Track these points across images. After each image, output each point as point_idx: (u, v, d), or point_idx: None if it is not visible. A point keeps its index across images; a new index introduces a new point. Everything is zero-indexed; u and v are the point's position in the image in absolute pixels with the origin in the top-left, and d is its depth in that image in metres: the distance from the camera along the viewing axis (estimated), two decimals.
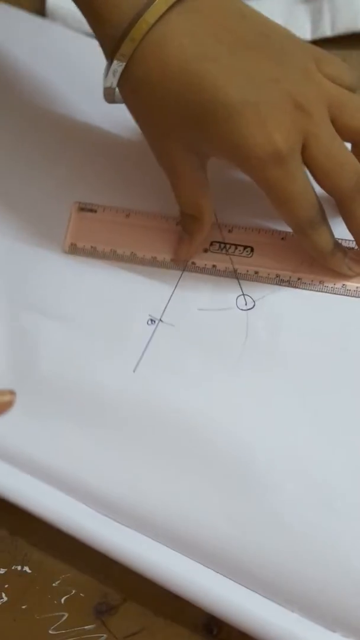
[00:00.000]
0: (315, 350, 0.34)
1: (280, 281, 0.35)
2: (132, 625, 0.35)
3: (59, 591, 0.36)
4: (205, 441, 0.34)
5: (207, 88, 0.29)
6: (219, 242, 0.36)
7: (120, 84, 0.31)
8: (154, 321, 0.36)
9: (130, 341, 0.37)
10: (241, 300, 0.36)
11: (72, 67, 0.43)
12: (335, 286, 0.35)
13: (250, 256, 0.36)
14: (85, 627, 0.35)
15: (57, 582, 0.36)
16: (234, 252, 0.36)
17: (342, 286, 0.35)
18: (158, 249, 0.37)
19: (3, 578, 0.36)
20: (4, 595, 0.36)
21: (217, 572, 0.33)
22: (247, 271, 0.36)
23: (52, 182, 0.40)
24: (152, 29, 0.29)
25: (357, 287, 0.35)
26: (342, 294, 0.35)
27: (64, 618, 0.36)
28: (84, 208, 0.39)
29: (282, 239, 0.36)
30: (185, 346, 0.36)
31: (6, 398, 0.31)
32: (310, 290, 0.35)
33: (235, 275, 0.36)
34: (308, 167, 0.31)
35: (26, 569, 0.36)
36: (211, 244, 0.37)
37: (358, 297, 0.34)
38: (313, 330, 0.35)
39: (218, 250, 0.36)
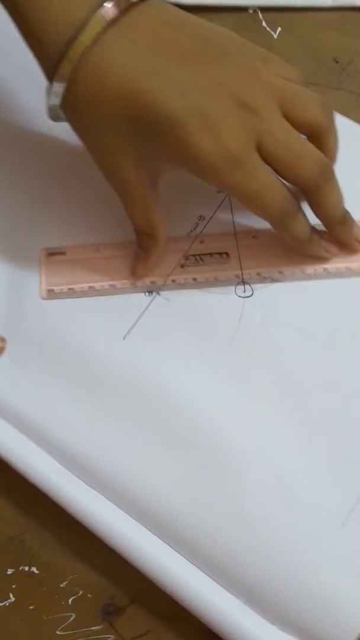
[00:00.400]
0: (304, 347, 0.35)
1: (263, 278, 0.36)
2: (139, 627, 0.35)
3: (67, 592, 0.36)
4: (180, 417, 0.35)
5: (149, 103, 0.29)
6: (194, 255, 0.37)
7: (62, 104, 0.31)
8: (152, 292, 0.37)
9: (126, 309, 0.37)
10: (240, 287, 0.36)
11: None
12: (317, 271, 0.36)
13: (227, 262, 0.36)
14: (93, 628, 0.36)
15: (64, 583, 0.36)
16: (210, 261, 0.36)
17: (323, 270, 0.36)
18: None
19: (10, 578, 0.36)
20: (11, 595, 0.36)
21: (167, 544, 0.34)
22: (228, 276, 0.36)
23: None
24: (89, 50, 0.29)
25: (337, 268, 0.36)
26: (324, 278, 0.36)
27: (72, 619, 0.36)
28: (52, 252, 0.38)
29: (254, 237, 0.37)
30: (178, 323, 0.36)
31: None
32: (293, 280, 0.36)
33: (216, 283, 0.36)
34: (269, 164, 0.31)
35: (34, 569, 0.36)
36: (187, 258, 0.37)
37: (340, 277, 0.36)
38: (305, 326, 0.35)
39: (194, 263, 0.37)
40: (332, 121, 0.32)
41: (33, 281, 0.38)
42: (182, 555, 0.34)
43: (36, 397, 0.36)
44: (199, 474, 0.34)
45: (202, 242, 0.37)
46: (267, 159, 0.31)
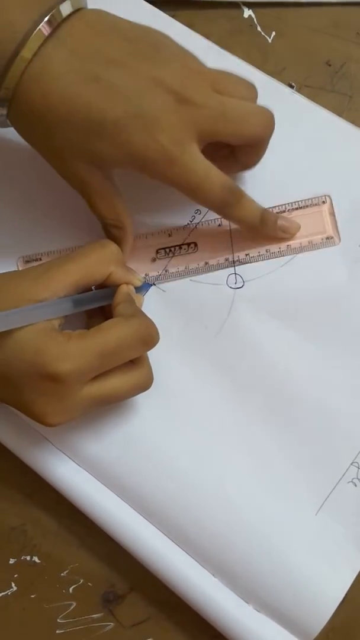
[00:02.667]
0: (289, 338, 0.36)
1: (232, 262, 0.37)
2: (138, 614, 0.36)
3: (67, 581, 0.37)
4: (166, 401, 0.36)
5: (91, 110, 0.30)
6: (164, 248, 0.38)
7: (10, 116, 0.32)
8: (148, 284, 0.38)
9: None
10: (232, 278, 0.37)
11: None
12: (281, 249, 0.37)
13: (196, 251, 0.38)
14: (93, 616, 0.36)
15: (65, 572, 0.37)
16: (180, 252, 0.38)
17: (286, 247, 0.37)
18: None
19: (12, 568, 0.37)
20: (13, 584, 0.37)
21: (152, 524, 0.35)
22: (198, 265, 0.37)
23: None
24: (30, 64, 0.30)
25: (300, 244, 0.37)
26: (290, 254, 0.37)
27: (72, 607, 0.36)
28: (29, 260, 0.38)
29: (219, 225, 0.38)
30: (172, 312, 0.37)
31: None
32: (259, 261, 0.37)
33: (187, 273, 0.37)
34: (221, 139, 0.32)
35: (35, 559, 0.37)
36: (157, 251, 0.38)
37: (303, 251, 0.37)
38: (291, 317, 0.37)
39: (165, 255, 0.38)
40: (256, 98, 0.34)
41: None
42: (169, 537, 0.35)
43: None
44: (186, 459, 0.35)
45: (169, 235, 0.38)
46: (216, 136, 0.32)
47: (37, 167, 0.36)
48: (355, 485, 0.35)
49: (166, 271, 0.38)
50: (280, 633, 0.34)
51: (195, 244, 0.38)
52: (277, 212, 0.37)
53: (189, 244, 0.38)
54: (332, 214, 0.37)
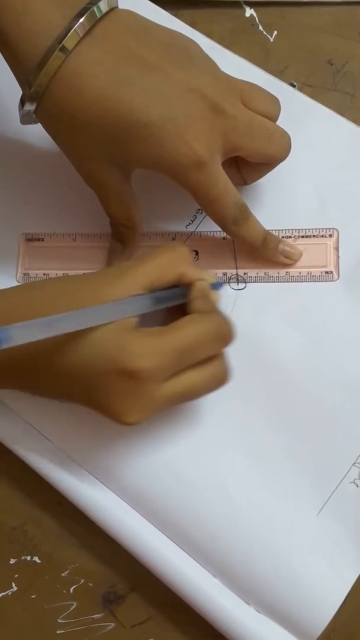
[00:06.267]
0: (292, 340, 0.36)
1: (228, 279, 0.37)
2: (139, 615, 0.36)
3: (68, 581, 0.37)
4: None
5: (125, 112, 0.30)
6: None
7: (37, 112, 0.32)
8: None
9: None
10: (234, 279, 0.37)
11: None
12: (279, 274, 0.37)
13: (197, 259, 0.38)
14: (94, 616, 0.36)
15: (66, 572, 0.37)
16: None
17: (285, 274, 0.37)
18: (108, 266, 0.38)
19: (13, 568, 0.37)
20: (14, 584, 0.37)
21: (153, 525, 0.35)
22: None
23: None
24: (66, 61, 0.30)
25: (299, 273, 0.37)
26: (287, 281, 0.37)
27: (73, 607, 0.36)
28: (31, 238, 0.39)
29: (223, 238, 0.38)
30: None
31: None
32: (258, 282, 0.37)
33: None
34: (241, 154, 0.33)
35: (36, 559, 0.37)
36: None
37: (302, 281, 0.37)
38: (294, 320, 0.37)
39: None
40: (279, 112, 0.34)
41: (11, 265, 0.39)
42: (170, 538, 0.35)
43: None
44: (187, 460, 0.35)
45: (173, 238, 0.38)
46: (237, 149, 0.32)
47: (48, 151, 0.36)
48: (357, 486, 0.34)
49: None
50: (281, 634, 0.34)
51: (197, 252, 0.38)
52: (283, 237, 0.37)
53: (190, 252, 0.37)
54: (337, 248, 0.37)
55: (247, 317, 0.37)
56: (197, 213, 0.38)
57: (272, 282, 0.37)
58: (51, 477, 0.35)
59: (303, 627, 0.33)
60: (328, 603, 0.33)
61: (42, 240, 0.39)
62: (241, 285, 0.37)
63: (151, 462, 0.35)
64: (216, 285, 0.34)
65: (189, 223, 0.38)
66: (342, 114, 0.39)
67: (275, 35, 0.41)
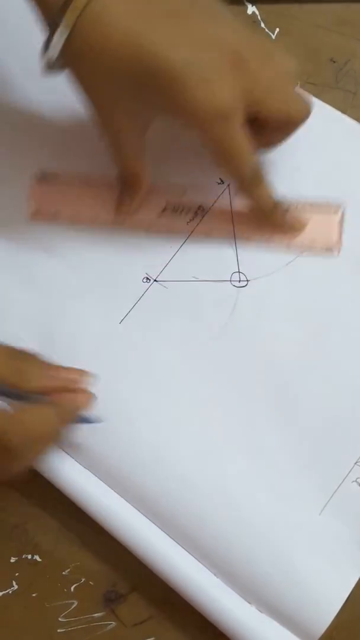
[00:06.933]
0: (293, 337, 0.36)
1: (233, 238, 0.37)
2: (140, 613, 0.36)
3: (69, 579, 0.36)
4: (169, 400, 0.36)
5: (150, 56, 0.30)
6: (173, 206, 0.38)
7: (62, 55, 0.32)
8: (149, 280, 0.38)
9: (124, 294, 0.38)
10: (236, 276, 0.37)
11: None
12: (282, 243, 0.37)
13: (202, 218, 0.38)
14: (95, 615, 0.36)
15: (67, 571, 0.37)
16: (187, 214, 0.38)
17: (287, 245, 0.37)
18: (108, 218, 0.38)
19: (14, 567, 0.37)
20: (14, 583, 0.37)
21: (154, 524, 0.35)
22: (199, 232, 0.38)
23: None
24: (90, 4, 0.30)
25: (302, 244, 0.37)
26: (288, 253, 0.37)
27: (74, 606, 0.36)
28: (45, 175, 0.39)
29: (230, 201, 0.38)
30: (173, 309, 0.37)
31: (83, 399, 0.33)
32: (259, 248, 0.37)
33: (187, 237, 0.38)
34: (261, 113, 0.32)
35: (37, 557, 0.37)
36: (164, 208, 0.38)
37: (303, 255, 0.37)
38: (296, 316, 0.37)
39: (172, 212, 0.38)
40: (298, 71, 0.34)
41: (23, 202, 0.39)
42: (171, 537, 0.35)
43: None
44: (189, 459, 0.35)
45: (182, 194, 0.38)
46: (256, 106, 0.32)
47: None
48: None
49: (168, 229, 0.38)
50: (283, 634, 0.34)
51: (204, 209, 0.38)
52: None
53: (198, 208, 0.38)
54: (341, 224, 0.37)
55: (248, 315, 0.37)
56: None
57: (273, 251, 0.37)
58: (52, 475, 0.35)
59: (305, 626, 0.33)
60: (330, 602, 0.33)
61: (57, 177, 0.39)
62: (243, 283, 0.37)
63: (153, 461, 0.35)
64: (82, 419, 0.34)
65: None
66: (344, 111, 0.39)
67: (277, 32, 0.41)
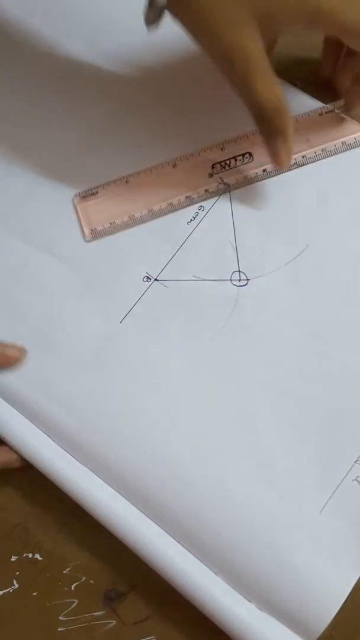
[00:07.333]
0: (293, 336, 0.36)
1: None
2: (141, 612, 0.36)
3: (70, 578, 0.36)
4: (169, 399, 0.36)
5: None
6: (219, 162, 0.39)
7: None
8: (150, 279, 0.38)
9: (124, 293, 0.38)
10: (236, 275, 0.37)
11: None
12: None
13: (251, 160, 0.38)
14: (95, 614, 0.36)
15: (67, 570, 0.37)
16: (236, 164, 0.39)
17: (322, 150, 0.38)
18: (169, 196, 0.39)
19: (14, 565, 0.37)
20: (15, 582, 0.37)
21: (155, 522, 0.35)
22: (257, 172, 0.38)
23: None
24: None
25: (314, 152, 0.38)
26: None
27: (74, 604, 0.36)
28: (86, 195, 0.39)
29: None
30: (173, 308, 0.37)
31: (12, 352, 0.33)
32: (310, 162, 0.38)
33: (247, 181, 0.38)
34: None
35: (37, 556, 0.37)
36: (212, 166, 0.39)
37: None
38: (296, 316, 0.37)
39: (221, 169, 0.39)
40: None
41: (74, 227, 0.39)
42: (171, 535, 0.35)
43: (34, 377, 0.37)
44: (189, 457, 0.35)
45: (222, 148, 0.39)
46: None
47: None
48: None
49: (225, 184, 0.38)
50: (283, 632, 0.34)
51: (250, 154, 0.38)
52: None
53: (243, 154, 0.38)
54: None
55: (248, 314, 0.37)
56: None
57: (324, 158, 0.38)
58: (52, 474, 0.35)
59: (305, 625, 0.33)
60: (330, 601, 0.33)
61: (97, 193, 0.39)
62: (243, 282, 0.37)
63: (153, 460, 0.35)
64: None
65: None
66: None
67: None
